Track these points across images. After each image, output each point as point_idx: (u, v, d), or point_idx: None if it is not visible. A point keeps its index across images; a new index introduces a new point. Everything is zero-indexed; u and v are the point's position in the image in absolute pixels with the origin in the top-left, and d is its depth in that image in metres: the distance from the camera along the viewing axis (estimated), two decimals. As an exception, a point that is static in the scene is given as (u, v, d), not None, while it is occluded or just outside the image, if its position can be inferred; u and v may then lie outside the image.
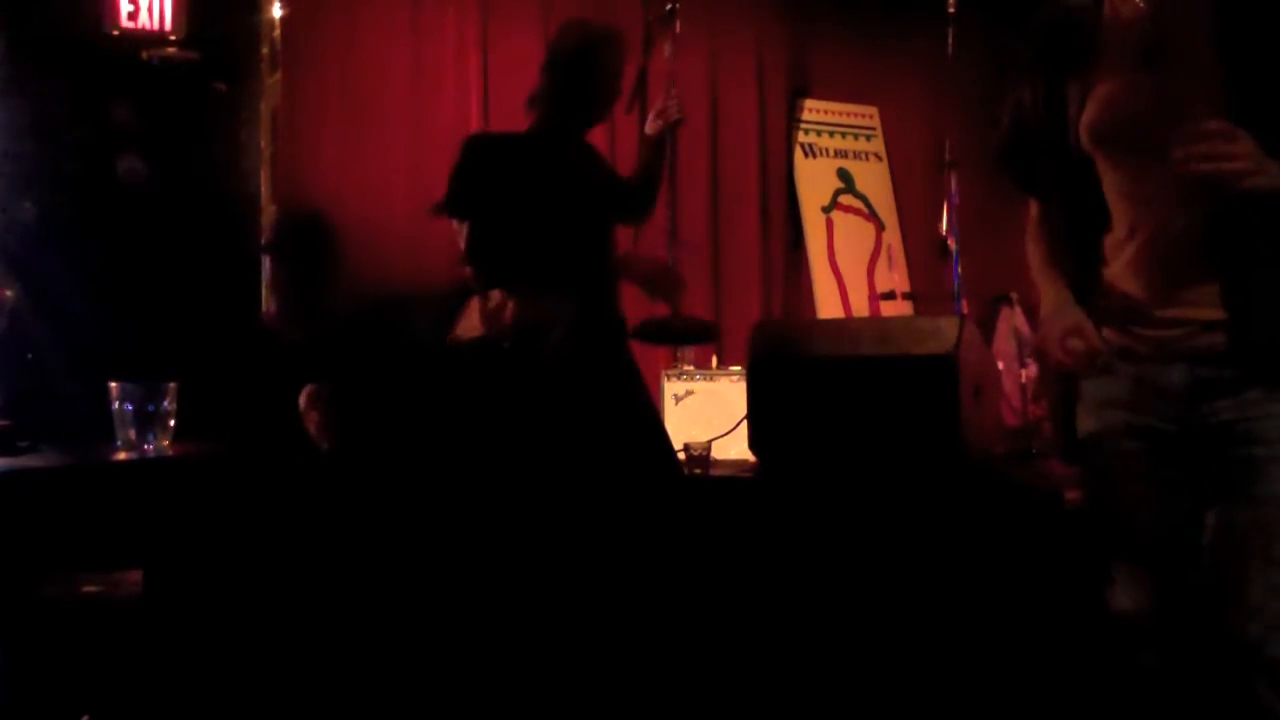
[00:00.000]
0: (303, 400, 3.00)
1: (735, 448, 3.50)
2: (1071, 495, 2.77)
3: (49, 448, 2.95)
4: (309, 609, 2.80)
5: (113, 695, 2.62)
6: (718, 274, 4.98)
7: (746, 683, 2.94)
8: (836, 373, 3.10)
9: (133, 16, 3.49)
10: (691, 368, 3.90)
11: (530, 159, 2.97)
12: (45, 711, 2.57)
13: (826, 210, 5.27)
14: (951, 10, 4.27)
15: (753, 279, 5.08)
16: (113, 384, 2.98)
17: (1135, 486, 1.91)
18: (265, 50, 3.91)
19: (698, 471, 3.33)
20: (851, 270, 5.23)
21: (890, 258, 5.32)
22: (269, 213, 3.83)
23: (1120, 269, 1.91)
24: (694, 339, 3.77)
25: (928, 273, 5.09)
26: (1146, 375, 1.88)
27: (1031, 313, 4.01)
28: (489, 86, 4.39)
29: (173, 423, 3.00)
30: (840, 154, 5.38)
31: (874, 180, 5.45)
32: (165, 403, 2.97)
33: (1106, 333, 1.92)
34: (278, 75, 3.93)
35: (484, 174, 2.95)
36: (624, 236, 3.29)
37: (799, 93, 5.31)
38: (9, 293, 3.25)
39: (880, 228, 5.39)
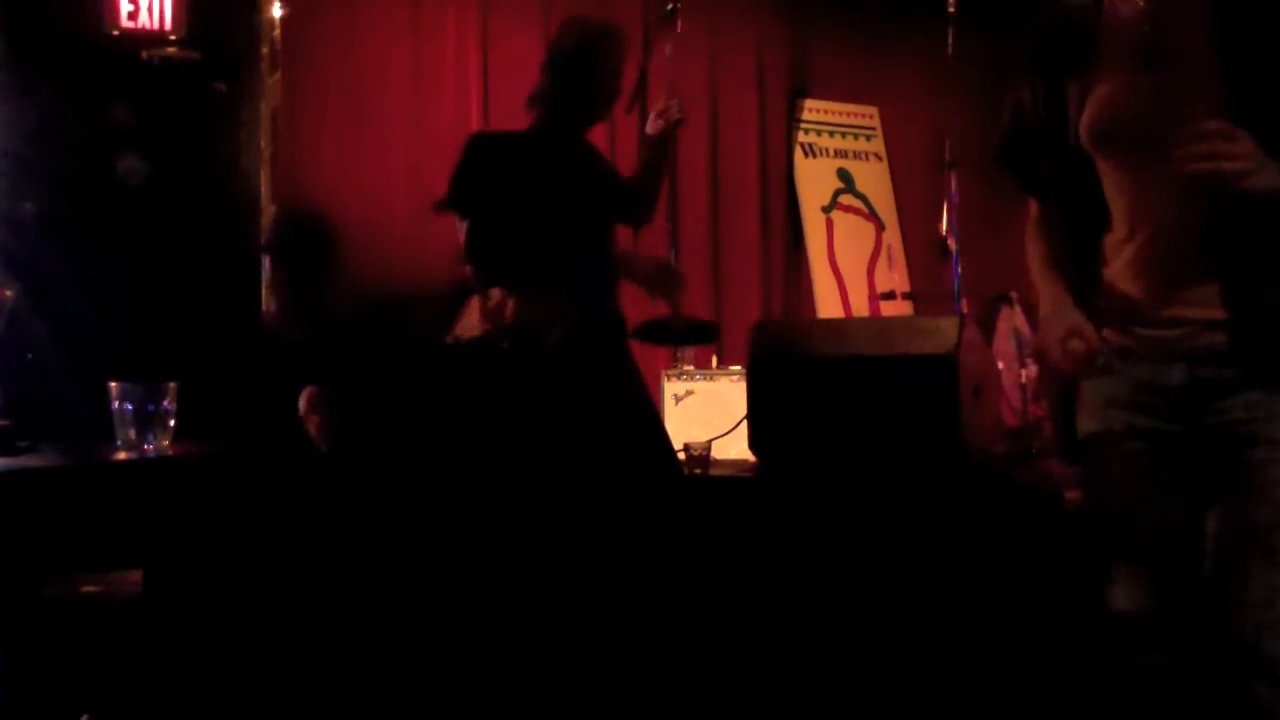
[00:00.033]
0: (303, 404, 3.00)
1: (735, 448, 3.49)
2: (1071, 495, 2.77)
3: (49, 448, 2.94)
4: (309, 609, 2.80)
5: (112, 695, 2.62)
6: (718, 274, 4.98)
7: (747, 682, 2.94)
8: (836, 373, 3.10)
9: (133, 16, 3.49)
10: (691, 368, 3.90)
11: (530, 158, 2.97)
12: (45, 711, 2.56)
13: (826, 210, 5.27)
14: (951, 10, 4.27)
15: (753, 279, 5.08)
16: (113, 384, 2.97)
17: (1135, 486, 1.91)
18: (265, 50, 3.91)
19: (698, 471, 3.32)
20: (851, 270, 5.23)
21: (890, 258, 5.32)
22: (269, 213, 3.83)
23: (1120, 269, 1.91)
24: (694, 339, 3.77)
25: (928, 273, 5.09)
26: (1146, 375, 1.88)
27: (1031, 313, 3.99)
28: (489, 86, 4.39)
29: (173, 423, 2.99)
30: (840, 154, 5.38)
31: (874, 180, 5.45)
32: (165, 403, 2.96)
33: (1106, 333, 1.92)
34: (278, 75, 3.93)
35: (486, 172, 2.95)
36: (624, 236, 3.29)
37: (799, 93, 5.31)
38: (9, 293, 3.24)
39: (880, 228, 5.39)
